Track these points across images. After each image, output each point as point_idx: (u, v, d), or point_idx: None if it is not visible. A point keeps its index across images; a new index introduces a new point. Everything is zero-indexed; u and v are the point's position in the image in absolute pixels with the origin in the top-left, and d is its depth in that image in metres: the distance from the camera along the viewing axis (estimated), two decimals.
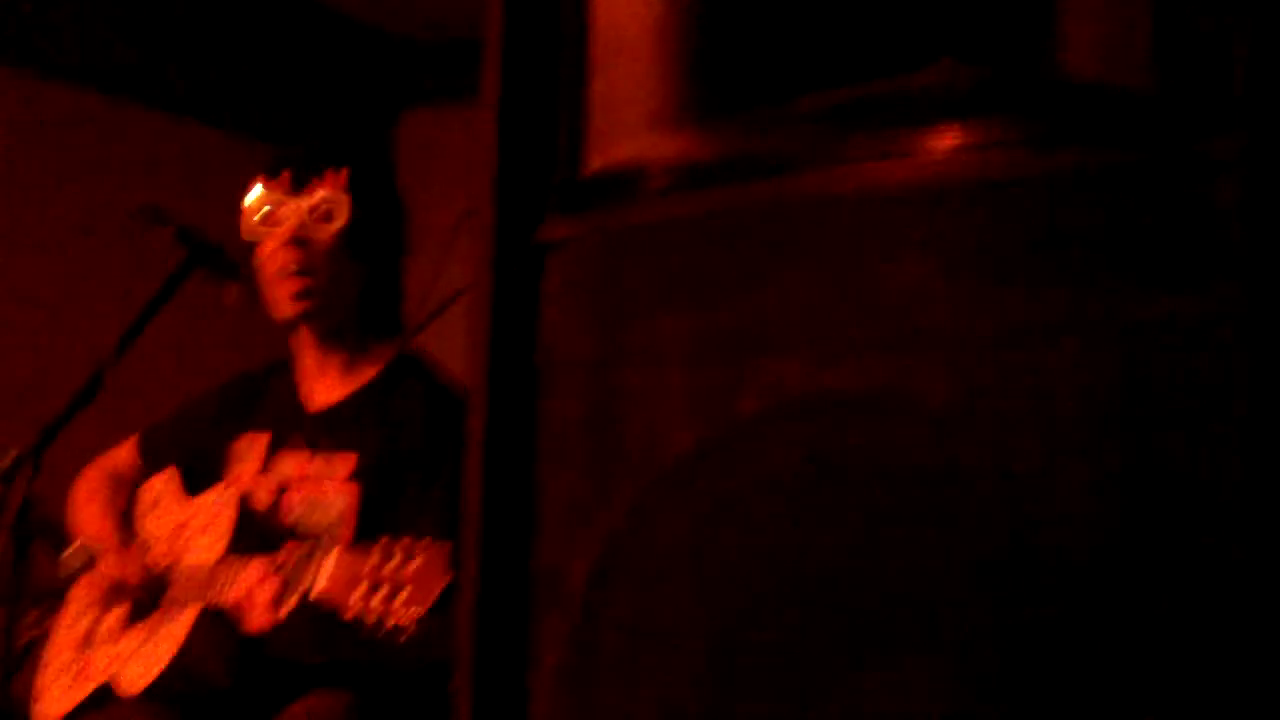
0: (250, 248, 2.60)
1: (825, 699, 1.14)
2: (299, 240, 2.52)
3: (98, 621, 2.62)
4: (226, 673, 2.41)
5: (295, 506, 2.54)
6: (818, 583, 1.16)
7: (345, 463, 2.54)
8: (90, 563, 2.45)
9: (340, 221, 2.52)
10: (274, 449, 2.64)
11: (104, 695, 2.49)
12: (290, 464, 2.60)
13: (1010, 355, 1.09)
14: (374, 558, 2.06)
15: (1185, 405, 1.04)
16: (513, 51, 1.39)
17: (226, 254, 2.51)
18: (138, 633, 2.50)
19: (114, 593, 2.56)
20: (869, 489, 1.14)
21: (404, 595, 2.01)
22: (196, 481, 2.66)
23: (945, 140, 1.13)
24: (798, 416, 1.18)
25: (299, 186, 2.53)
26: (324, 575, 2.13)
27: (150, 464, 2.82)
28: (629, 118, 1.34)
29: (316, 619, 2.22)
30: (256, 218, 2.54)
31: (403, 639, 2.06)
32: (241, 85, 5.53)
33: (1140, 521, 1.04)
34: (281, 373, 2.76)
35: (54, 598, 2.86)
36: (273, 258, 2.55)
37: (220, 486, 2.59)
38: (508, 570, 1.33)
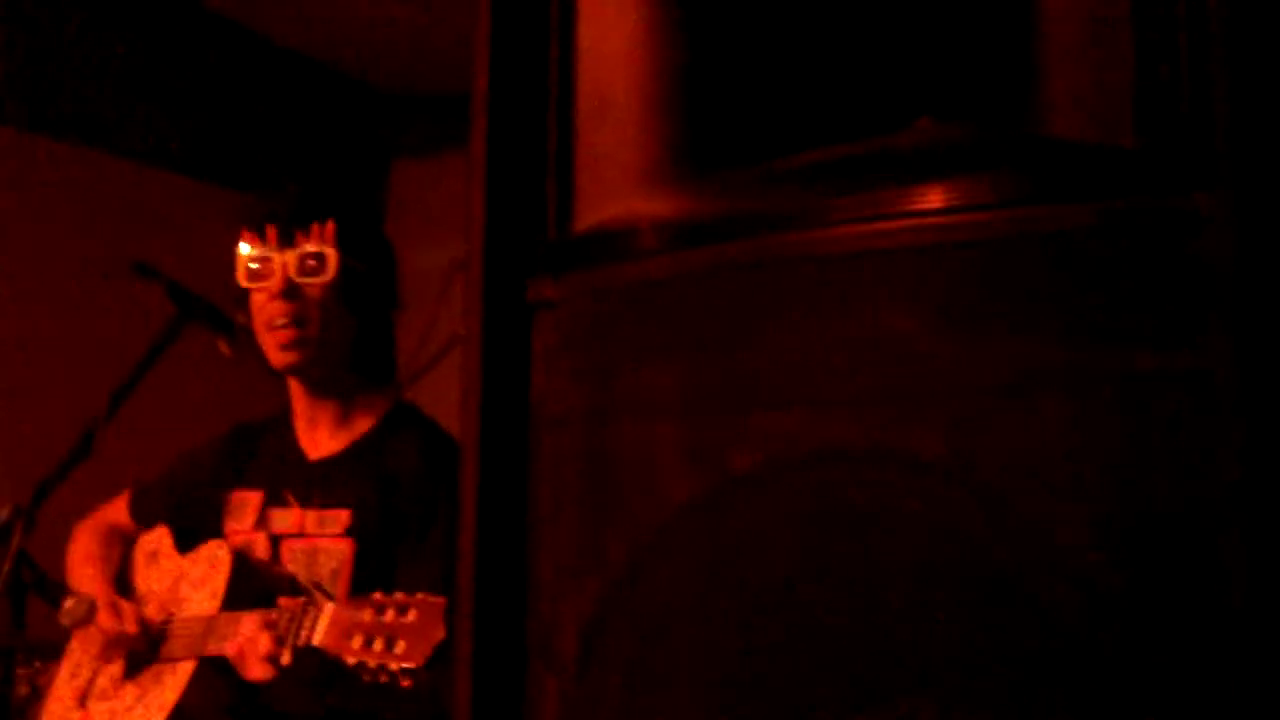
0: (244, 299, 2.61)
1: None
2: (289, 292, 2.52)
3: (95, 675, 2.61)
4: None
5: (291, 561, 2.54)
6: (815, 637, 1.16)
7: (339, 519, 2.54)
8: (91, 613, 2.44)
9: (329, 274, 2.53)
10: (268, 504, 2.64)
11: None
12: (285, 519, 2.61)
13: (1002, 408, 1.10)
14: (368, 612, 2.07)
15: (1177, 457, 1.04)
16: (499, 109, 1.40)
17: (217, 308, 2.52)
18: (135, 686, 2.50)
19: (110, 647, 2.55)
20: (865, 541, 1.15)
21: (400, 648, 2.01)
22: (190, 537, 2.66)
23: (930, 198, 1.14)
24: (792, 470, 1.18)
25: (286, 239, 2.54)
26: (320, 629, 2.13)
27: (140, 522, 2.82)
28: (616, 176, 1.34)
29: (315, 669, 2.22)
30: (246, 270, 2.56)
31: (402, 684, 2.06)
32: (233, 139, 5.55)
33: (1135, 572, 1.05)
34: (277, 426, 2.76)
35: (50, 650, 2.86)
36: (263, 310, 2.56)
37: (216, 541, 2.59)
38: (503, 628, 1.33)
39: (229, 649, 2.29)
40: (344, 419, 2.68)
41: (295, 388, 2.69)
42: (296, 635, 2.17)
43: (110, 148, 5.14)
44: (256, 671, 2.25)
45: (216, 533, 2.63)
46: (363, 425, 2.67)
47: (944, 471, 1.12)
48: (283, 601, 2.29)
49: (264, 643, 2.22)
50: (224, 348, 2.57)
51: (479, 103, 1.38)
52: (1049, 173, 1.12)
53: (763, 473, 1.20)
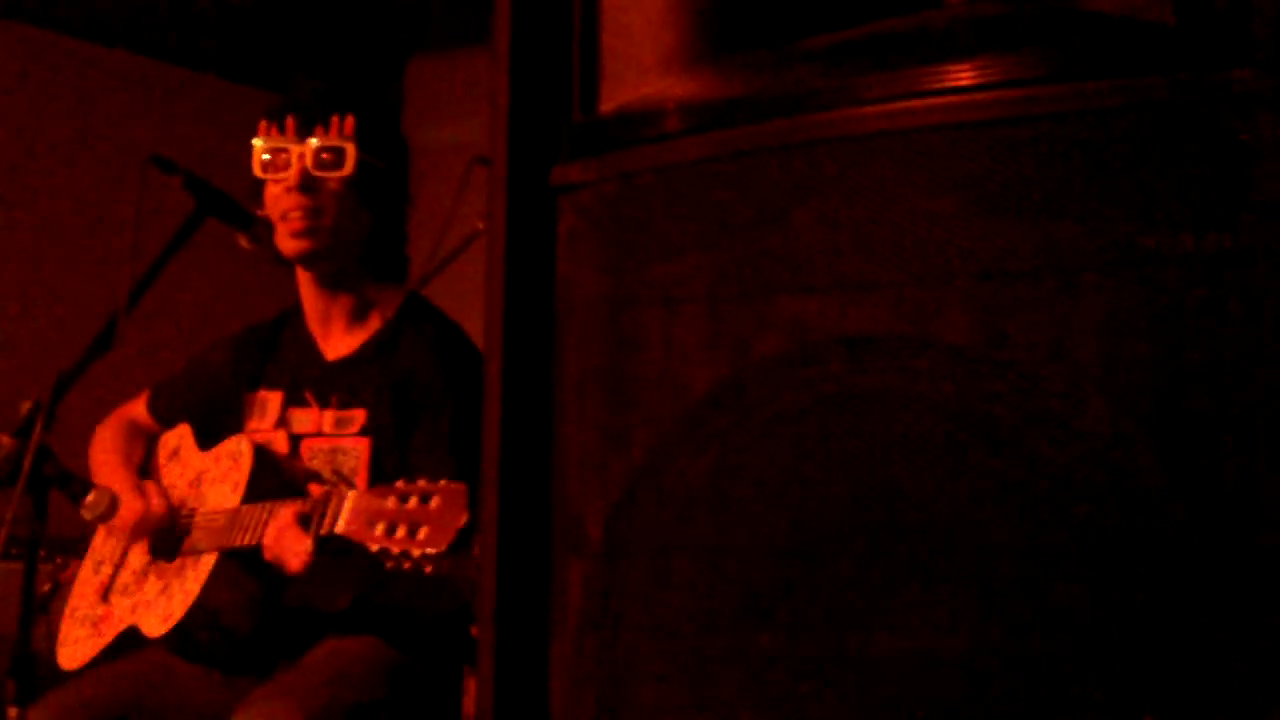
0: (259, 189, 2.58)
1: (849, 634, 1.14)
2: (305, 185, 2.51)
3: (117, 571, 2.62)
4: (246, 617, 2.41)
5: (313, 459, 2.55)
6: (840, 520, 1.15)
7: (356, 418, 2.55)
8: (113, 507, 2.43)
9: (347, 169, 2.51)
10: (288, 404, 2.64)
11: (125, 643, 2.50)
12: (304, 419, 2.61)
13: (1030, 290, 1.08)
14: (391, 500, 2.06)
15: (1208, 341, 1.03)
16: None
17: (235, 202, 2.50)
18: (158, 579, 2.51)
19: (137, 529, 2.56)
20: (890, 426, 1.14)
21: (423, 533, 2.01)
22: (211, 436, 2.66)
23: (963, 76, 1.12)
24: (818, 356, 1.17)
25: (304, 132, 2.52)
26: (344, 516, 2.13)
27: (161, 421, 2.82)
28: (641, 59, 1.33)
29: (339, 561, 2.22)
30: (262, 160, 2.54)
31: (425, 570, 2.06)
32: (250, 35, 5.51)
33: (1161, 453, 1.04)
34: (292, 324, 2.75)
35: (71, 546, 2.86)
36: (278, 201, 2.54)
37: (237, 437, 2.59)
38: (528, 516, 1.33)
39: (267, 539, 2.28)
40: (357, 316, 2.67)
41: (306, 284, 2.68)
42: (320, 523, 2.17)
43: (128, 45, 5.12)
44: (294, 563, 2.24)
45: (237, 431, 2.63)
46: (375, 322, 2.66)
47: (974, 357, 1.11)
48: (312, 488, 2.29)
49: (290, 532, 2.21)
50: (242, 241, 2.54)
51: None
52: (1085, 49, 1.10)
53: (788, 358, 1.19)
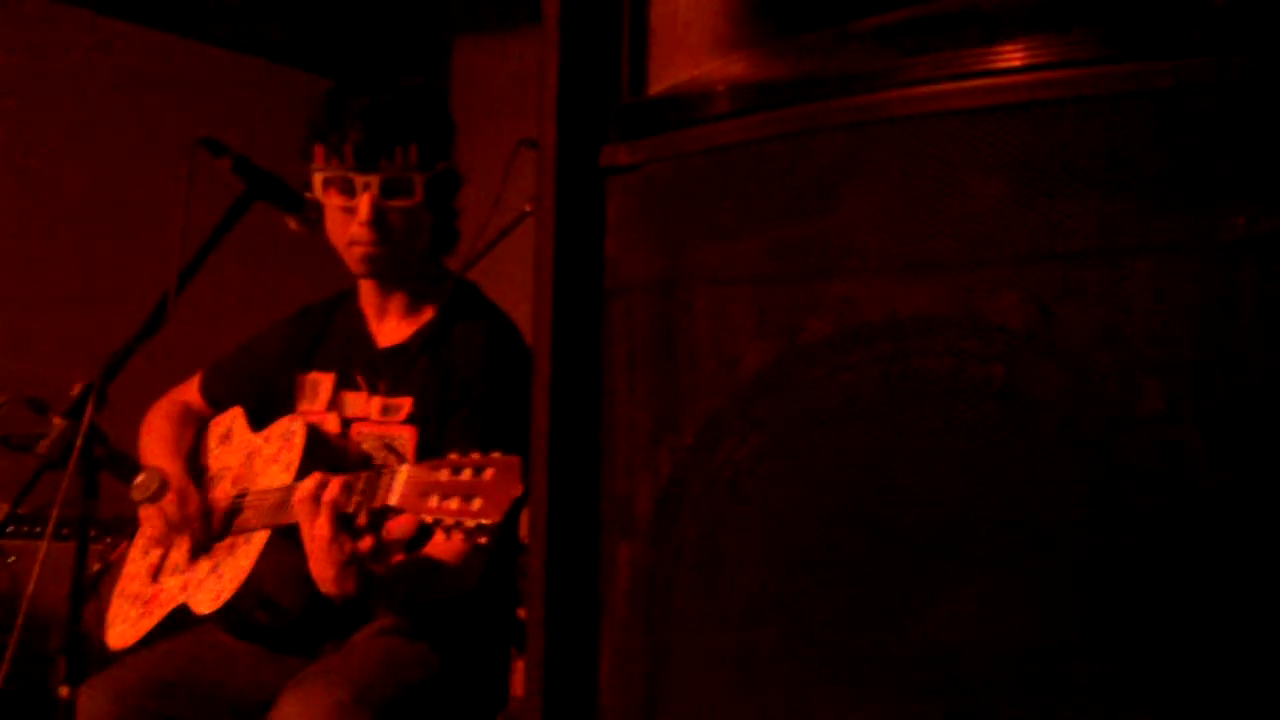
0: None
1: (899, 619, 1.14)
2: (376, 221, 2.49)
3: (168, 552, 2.64)
4: (296, 595, 2.42)
5: (362, 441, 2.56)
6: (891, 504, 1.15)
7: (403, 406, 2.56)
8: (163, 489, 2.45)
9: (417, 197, 2.50)
10: (340, 387, 2.65)
11: (176, 621, 2.52)
12: (355, 403, 2.62)
13: (1084, 274, 1.08)
14: (444, 472, 2.06)
15: (1264, 324, 1.02)
16: None
17: (285, 184, 2.49)
18: (209, 559, 2.52)
19: (172, 530, 2.57)
20: (942, 409, 1.13)
21: (477, 504, 2.00)
22: (262, 418, 2.67)
23: (1013, 57, 1.12)
24: (869, 338, 1.17)
25: (368, 163, 2.48)
26: (397, 489, 2.12)
27: (213, 403, 2.83)
28: (690, 40, 1.32)
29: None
30: (323, 182, 2.51)
31: (479, 542, 2.05)
32: (298, 18, 5.53)
33: (1218, 439, 1.03)
34: (345, 307, 2.75)
35: (122, 527, 2.89)
36: (344, 225, 2.53)
37: (290, 417, 2.60)
38: (577, 497, 1.33)
39: (294, 498, 2.26)
40: (412, 306, 2.67)
41: (366, 280, 2.69)
42: (373, 497, 2.16)
43: (178, 29, 5.15)
44: (316, 523, 2.18)
45: (289, 413, 2.64)
46: (428, 311, 2.66)
47: (1025, 339, 1.10)
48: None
49: (332, 488, 2.19)
50: (292, 224, 2.54)
51: None
52: (1134, 30, 1.09)
53: (839, 340, 1.19)
